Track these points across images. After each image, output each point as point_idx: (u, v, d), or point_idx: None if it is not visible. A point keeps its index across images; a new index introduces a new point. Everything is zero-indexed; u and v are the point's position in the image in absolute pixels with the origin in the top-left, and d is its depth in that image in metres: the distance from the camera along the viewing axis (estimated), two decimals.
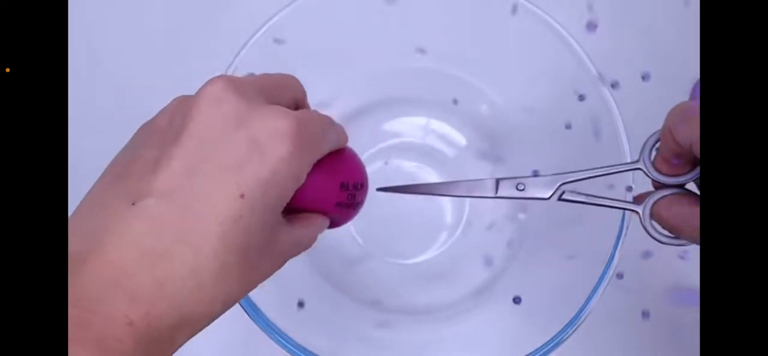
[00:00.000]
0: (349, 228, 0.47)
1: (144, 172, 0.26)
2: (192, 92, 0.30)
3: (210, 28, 0.51)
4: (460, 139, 0.49)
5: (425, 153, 0.48)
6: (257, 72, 0.40)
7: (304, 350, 0.37)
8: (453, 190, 0.36)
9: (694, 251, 0.46)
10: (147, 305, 0.24)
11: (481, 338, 0.43)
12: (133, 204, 0.25)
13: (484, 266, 0.46)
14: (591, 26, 0.46)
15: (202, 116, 0.26)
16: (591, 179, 0.35)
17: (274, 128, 0.26)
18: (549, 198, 0.35)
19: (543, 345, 0.37)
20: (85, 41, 0.50)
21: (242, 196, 0.25)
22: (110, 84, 0.50)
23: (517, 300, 0.43)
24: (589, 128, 0.41)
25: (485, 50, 0.45)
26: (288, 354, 0.38)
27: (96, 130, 0.46)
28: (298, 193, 0.28)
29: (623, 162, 0.34)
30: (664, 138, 0.31)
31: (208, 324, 0.27)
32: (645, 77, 0.42)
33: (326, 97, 0.44)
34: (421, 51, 0.46)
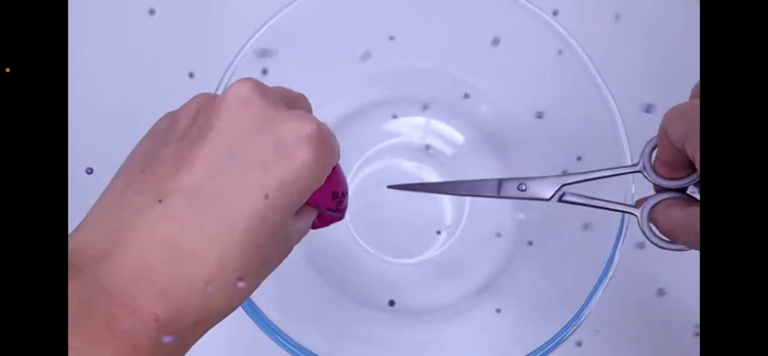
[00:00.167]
0: (350, 228, 0.47)
1: (169, 168, 0.26)
2: (193, 94, 0.30)
3: (210, 27, 0.51)
4: (460, 139, 0.49)
5: (425, 153, 0.48)
6: (257, 72, 0.41)
7: (304, 350, 0.38)
8: (457, 189, 0.37)
9: None
10: (174, 301, 0.25)
11: (481, 338, 0.43)
12: (160, 201, 0.26)
13: (483, 266, 0.46)
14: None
15: (229, 116, 0.27)
16: (591, 181, 0.35)
17: (299, 132, 0.27)
18: (550, 199, 0.35)
19: (543, 344, 0.38)
20: (86, 41, 0.50)
21: (267, 197, 0.26)
22: (111, 83, 0.50)
23: (498, 311, 0.43)
24: (589, 129, 0.41)
25: (485, 50, 0.45)
26: (288, 354, 0.38)
27: (96, 130, 0.46)
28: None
29: (624, 165, 0.34)
30: (660, 140, 0.31)
31: (223, 318, 0.27)
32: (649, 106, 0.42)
33: (326, 97, 0.44)
34: (421, 51, 0.46)
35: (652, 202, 0.33)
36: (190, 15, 0.51)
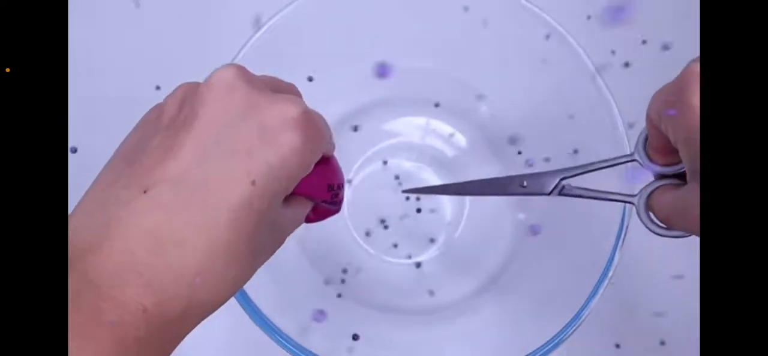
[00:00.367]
0: (349, 228, 0.47)
1: (155, 159, 0.26)
2: None
3: (210, 27, 0.51)
4: (460, 139, 0.49)
5: (425, 153, 0.48)
6: (257, 72, 0.41)
7: (304, 350, 0.38)
8: (465, 190, 0.38)
9: None
10: (161, 292, 0.25)
11: (481, 338, 0.43)
12: (145, 192, 0.25)
13: (483, 265, 0.46)
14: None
15: (213, 102, 0.27)
16: (592, 176, 0.35)
17: (285, 116, 0.26)
18: (550, 194, 0.35)
19: (543, 345, 0.38)
20: (86, 39, 0.50)
21: (253, 183, 0.26)
22: (111, 83, 0.50)
23: (498, 311, 0.43)
24: (588, 126, 0.41)
25: (485, 50, 0.45)
26: (288, 354, 0.38)
27: (97, 130, 0.46)
28: (296, 189, 0.29)
29: (620, 155, 0.34)
30: (649, 127, 0.31)
31: (216, 309, 0.27)
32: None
33: (326, 97, 0.44)
34: (422, 52, 0.46)
35: (649, 190, 0.33)
36: (190, 15, 0.51)
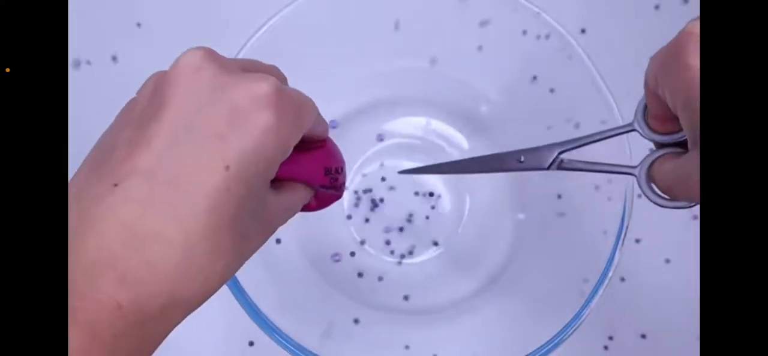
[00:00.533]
0: (349, 228, 0.47)
1: (126, 152, 0.25)
2: None
3: (210, 28, 0.51)
4: (460, 139, 0.49)
5: (425, 153, 0.48)
6: None
7: (304, 350, 0.38)
8: (461, 169, 0.37)
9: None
10: (137, 287, 0.24)
11: (481, 338, 0.43)
12: (115, 185, 0.24)
13: (483, 266, 0.46)
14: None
15: (180, 87, 0.26)
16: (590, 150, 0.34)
17: (254, 95, 0.25)
18: (548, 168, 0.34)
19: (543, 344, 0.38)
20: (86, 40, 0.50)
21: (228, 168, 0.25)
22: (111, 83, 0.50)
23: (498, 311, 0.43)
24: (589, 126, 0.41)
25: (485, 50, 0.45)
26: (288, 354, 0.38)
27: (96, 130, 0.46)
28: (288, 174, 0.29)
29: (618, 126, 0.33)
30: (647, 94, 0.30)
31: (203, 301, 0.26)
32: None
33: (326, 97, 0.44)
34: (422, 52, 0.46)
35: (650, 160, 0.31)
36: (189, 15, 0.51)
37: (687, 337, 0.47)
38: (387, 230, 0.47)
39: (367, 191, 0.48)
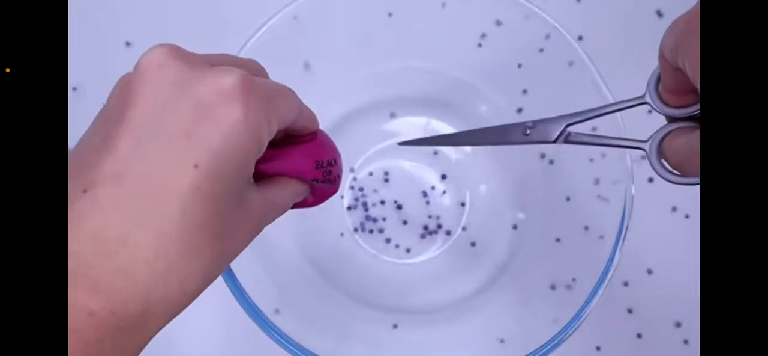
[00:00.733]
0: (349, 228, 0.47)
1: (94, 157, 0.25)
2: None
3: (210, 29, 0.51)
4: None
5: (425, 153, 0.48)
6: None
7: (304, 350, 0.38)
8: (464, 140, 0.36)
9: None
10: (109, 294, 0.23)
11: (481, 338, 0.43)
12: (84, 192, 0.24)
13: (483, 265, 0.46)
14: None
15: (145, 86, 0.25)
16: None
17: (219, 88, 0.25)
18: (555, 141, 0.33)
19: (543, 344, 0.38)
20: (86, 41, 0.50)
21: (196, 166, 0.24)
22: (110, 84, 0.50)
23: (498, 311, 0.42)
24: (589, 127, 0.41)
25: (485, 50, 0.45)
26: (288, 354, 0.38)
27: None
28: (275, 169, 0.28)
29: (629, 98, 0.32)
30: (660, 63, 0.29)
31: (187, 304, 0.25)
32: None
33: (326, 97, 0.44)
34: (422, 52, 0.46)
35: (661, 134, 0.30)
36: (189, 16, 0.51)
37: (684, 335, 0.47)
38: (387, 229, 0.47)
39: (367, 191, 0.48)
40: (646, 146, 0.31)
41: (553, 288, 0.42)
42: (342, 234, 0.47)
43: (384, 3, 0.44)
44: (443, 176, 0.48)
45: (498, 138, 0.35)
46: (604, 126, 0.36)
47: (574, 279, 0.40)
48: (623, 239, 0.38)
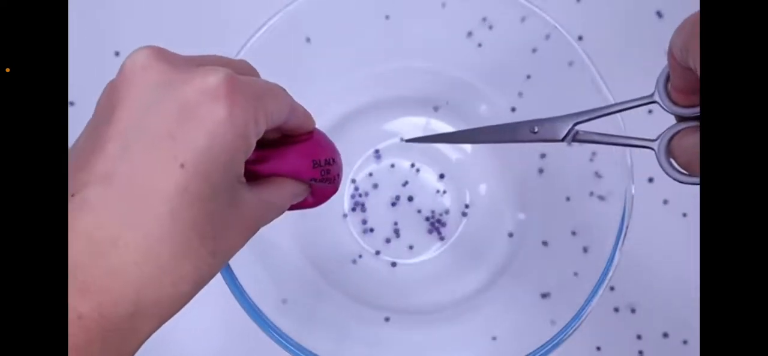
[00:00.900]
0: (349, 228, 0.47)
1: (81, 160, 0.25)
2: None
3: (210, 28, 0.51)
4: None
5: (425, 153, 0.48)
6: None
7: (304, 350, 0.38)
8: (471, 138, 0.36)
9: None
10: (99, 296, 0.23)
11: (481, 338, 0.43)
12: (73, 195, 0.24)
13: (483, 265, 0.46)
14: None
15: (130, 88, 0.25)
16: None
17: (203, 88, 0.25)
18: (563, 140, 0.33)
19: (543, 345, 0.38)
20: (86, 41, 0.50)
21: (182, 166, 0.24)
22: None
23: (498, 311, 0.42)
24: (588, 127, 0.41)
25: (485, 50, 0.45)
26: (288, 354, 0.38)
27: None
28: (270, 171, 0.28)
29: (638, 97, 0.32)
30: (672, 66, 0.29)
31: (180, 307, 0.25)
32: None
33: (326, 97, 0.44)
34: (422, 52, 0.46)
35: (669, 133, 0.30)
36: (189, 16, 0.51)
37: (684, 335, 0.47)
38: (387, 229, 0.47)
39: (367, 190, 0.48)
40: (654, 144, 0.31)
41: (552, 287, 0.42)
42: (342, 235, 0.47)
43: (384, 3, 0.44)
44: (443, 176, 0.48)
45: (506, 136, 0.34)
46: (604, 126, 0.36)
47: (573, 279, 0.40)
48: (623, 239, 0.38)
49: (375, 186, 0.48)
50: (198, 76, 0.25)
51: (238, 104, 0.25)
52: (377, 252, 0.47)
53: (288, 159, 0.29)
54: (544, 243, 0.45)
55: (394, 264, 0.47)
